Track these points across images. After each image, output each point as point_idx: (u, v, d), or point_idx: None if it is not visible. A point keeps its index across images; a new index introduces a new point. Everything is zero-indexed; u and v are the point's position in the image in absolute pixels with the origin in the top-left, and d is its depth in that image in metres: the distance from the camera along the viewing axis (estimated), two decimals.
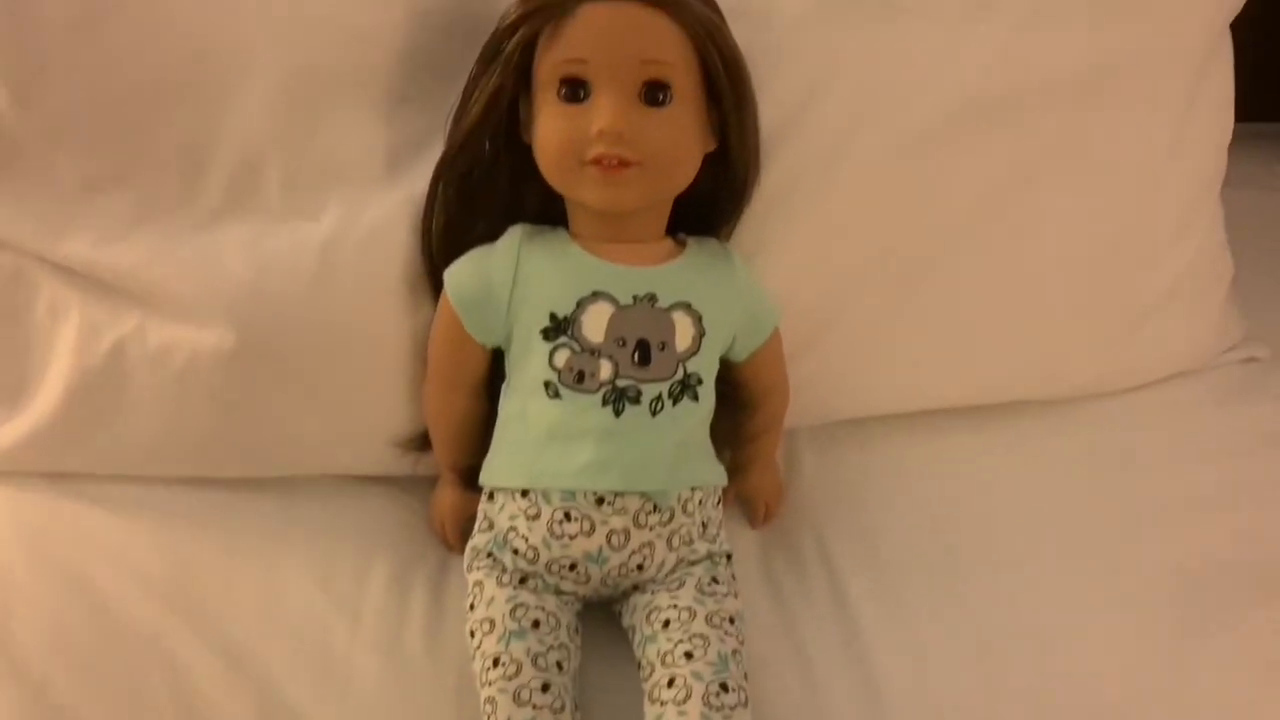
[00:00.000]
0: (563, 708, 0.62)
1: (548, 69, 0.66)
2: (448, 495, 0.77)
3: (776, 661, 0.72)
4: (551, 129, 0.67)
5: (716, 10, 0.69)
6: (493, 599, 0.67)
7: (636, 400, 0.67)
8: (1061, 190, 0.83)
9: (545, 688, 0.62)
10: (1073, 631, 0.74)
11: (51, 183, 0.74)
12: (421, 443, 0.79)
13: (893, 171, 0.79)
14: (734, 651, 0.65)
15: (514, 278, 0.69)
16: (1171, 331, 0.91)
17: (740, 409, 0.78)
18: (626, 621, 0.70)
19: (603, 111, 0.65)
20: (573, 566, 0.68)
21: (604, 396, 0.67)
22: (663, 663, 0.64)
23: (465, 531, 0.74)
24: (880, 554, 0.79)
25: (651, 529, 0.68)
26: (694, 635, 0.65)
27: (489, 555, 0.69)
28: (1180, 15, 0.82)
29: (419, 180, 0.74)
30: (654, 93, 0.66)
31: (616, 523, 0.67)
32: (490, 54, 0.68)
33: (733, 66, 0.68)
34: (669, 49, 0.66)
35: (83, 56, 0.71)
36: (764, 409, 0.79)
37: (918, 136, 0.79)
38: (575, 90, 0.66)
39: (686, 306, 0.69)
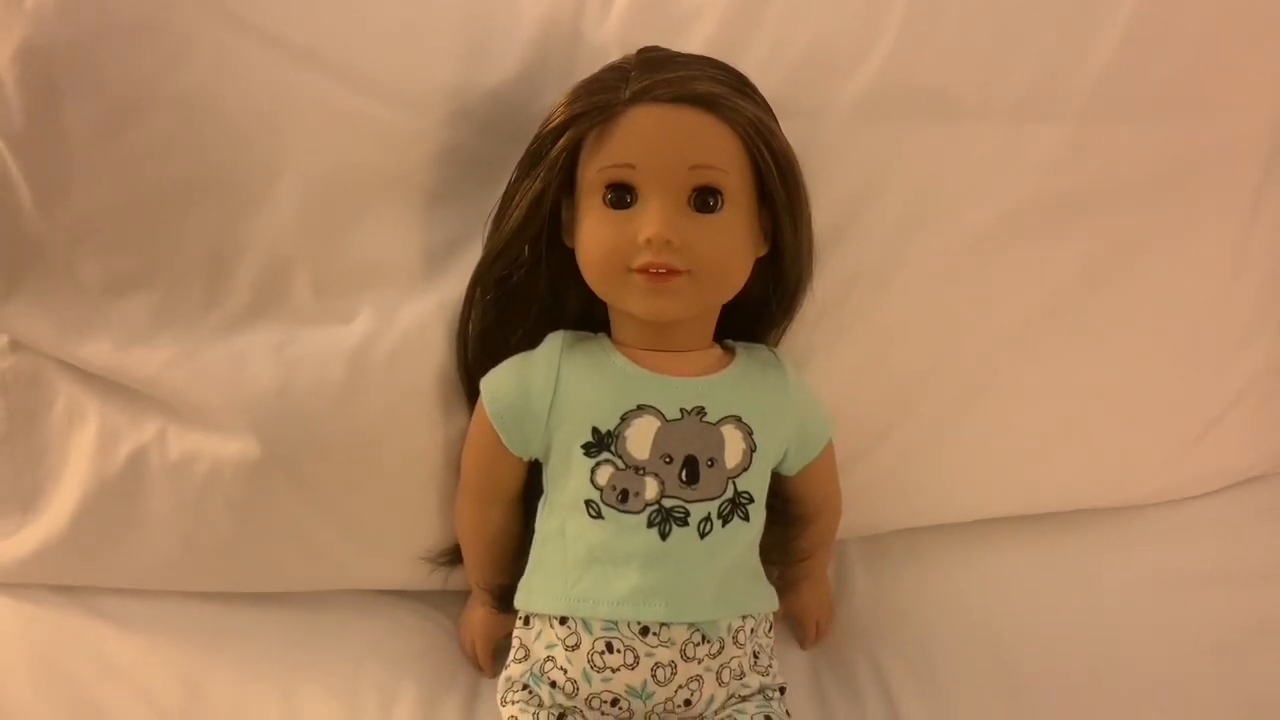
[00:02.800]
0: None
1: (593, 174, 0.63)
2: (480, 615, 0.73)
3: None
4: (597, 236, 0.63)
5: (768, 110, 0.66)
6: None
7: (684, 522, 0.63)
8: (1126, 294, 0.80)
9: None
10: None
11: (74, 284, 0.71)
12: (453, 557, 0.75)
13: (950, 275, 0.76)
14: None
15: (554, 388, 0.66)
16: (1238, 439, 0.88)
17: (790, 525, 0.74)
18: None
19: (650, 219, 0.61)
20: (615, 702, 0.63)
21: (649, 518, 0.63)
22: None
23: (498, 652, 0.70)
24: (937, 676, 0.75)
25: (700, 661, 0.63)
26: None
27: (525, 688, 0.65)
28: (1247, 110, 0.79)
29: (455, 284, 0.71)
30: (704, 198, 0.62)
31: (662, 655, 0.62)
32: (534, 157, 0.65)
33: (786, 169, 0.65)
34: (720, 153, 0.63)
35: (108, 160, 0.68)
36: (816, 525, 0.75)
37: (977, 239, 0.75)
38: (622, 196, 0.63)
39: (737, 420, 0.65)
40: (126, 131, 0.68)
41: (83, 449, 0.73)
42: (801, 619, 0.77)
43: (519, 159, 0.67)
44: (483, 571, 0.72)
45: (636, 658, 0.62)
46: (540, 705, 0.64)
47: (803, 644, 0.77)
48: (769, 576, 0.70)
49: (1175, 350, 0.82)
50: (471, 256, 0.70)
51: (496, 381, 0.68)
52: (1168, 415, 0.85)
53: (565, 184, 0.66)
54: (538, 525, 0.68)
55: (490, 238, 0.69)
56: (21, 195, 0.69)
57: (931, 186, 0.75)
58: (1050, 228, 0.76)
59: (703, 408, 0.65)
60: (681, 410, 0.65)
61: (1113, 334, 0.80)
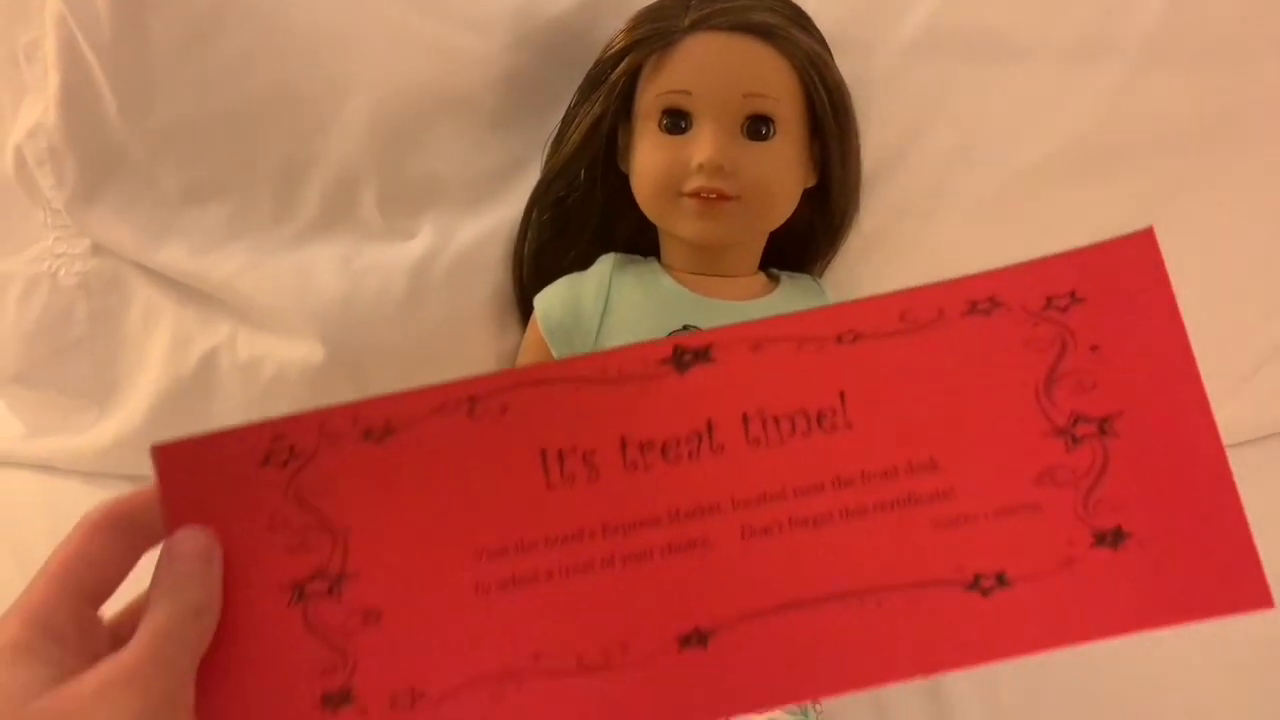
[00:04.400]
0: None
1: (650, 99, 0.65)
2: None
3: (852, 704, 0.69)
4: (651, 159, 0.66)
5: (823, 42, 0.68)
6: None
7: None
8: (1176, 237, 0.79)
9: None
10: (1156, 689, 0.70)
11: (153, 192, 0.75)
12: None
13: (996, 213, 0.77)
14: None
15: (605, 306, 0.68)
16: (1277, 390, 0.87)
17: None
18: None
19: (704, 144, 0.63)
20: None
21: None
22: None
23: None
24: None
25: None
26: None
27: None
28: None
29: (513, 205, 0.74)
30: (757, 126, 0.64)
31: None
32: (593, 82, 0.67)
33: (838, 101, 0.67)
34: (774, 83, 0.64)
35: (189, 72, 0.72)
36: None
37: (1025, 177, 0.76)
38: (677, 121, 0.65)
39: None
40: (207, 44, 0.71)
41: (158, 349, 0.77)
42: None
43: (579, 84, 0.69)
44: None
45: None
46: None
47: None
48: None
49: (1217, 299, 0.83)
50: (530, 178, 0.73)
51: (549, 299, 0.70)
52: (1212, 364, 0.84)
53: (623, 110, 0.68)
54: None
55: (549, 160, 0.71)
56: (107, 104, 0.72)
57: (981, 125, 0.75)
58: (1098, 170, 0.77)
59: None
60: None
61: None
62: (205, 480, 0.34)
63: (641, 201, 0.68)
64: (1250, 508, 0.83)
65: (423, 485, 0.34)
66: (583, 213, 0.72)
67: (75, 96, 0.73)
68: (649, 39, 0.64)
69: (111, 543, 0.32)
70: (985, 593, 0.34)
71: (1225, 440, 0.88)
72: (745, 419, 0.35)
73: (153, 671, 0.30)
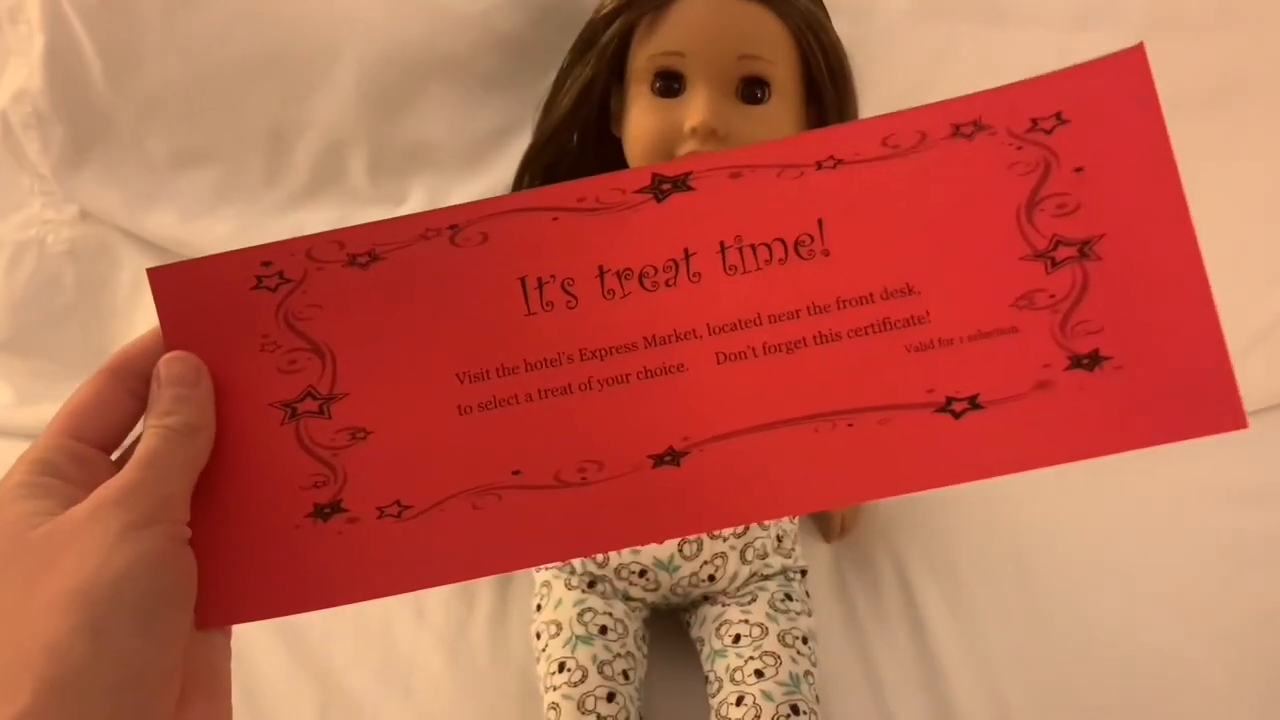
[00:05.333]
0: (627, 718, 0.61)
1: (643, 61, 0.64)
2: None
3: (848, 682, 0.69)
4: (643, 123, 0.64)
5: (820, 4, 0.66)
6: (560, 601, 0.66)
7: None
8: None
9: (611, 697, 0.61)
10: (1155, 666, 0.70)
11: (141, 157, 0.74)
12: None
13: None
14: (806, 673, 0.63)
15: None
16: (1277, 361, 0.87)
17: None
18: (695, 632, 0.68)
19: (697, 107, 0.62)
20: (643, 573, 0.66)
21: None
22: (731, 679, 0.62)
23: None
24: (956, 572, 0.77)
25: (725, 540, 0.66)
26: (765, 653, 0.63)
27: None
28: None
29: (504, 169, 0.73)
30: (751, 89, 0.63)
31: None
32: (584, 44, 0.66)
33: (835, 64, 0.65)
34: (769, 44, 0.63)
35: (176, 35, 0.71)
36: None
37: None
38: (670, 84, 0.64)
39: None
40: (194, 6, 0.70)
41: (147, 316, 0.76)
42: (828, 514, 0.79)
43: (571, 46, 0.68)
44: None
45: None
46: (572, 573, 0.67)
47: (827, 538, 0.79)
48: None
49: (1224, 264, 0.81)
50: (521, 143, 0.72)
51: None
52: None
53: (615, 73, 0.67)
54: None
55: (540, 124, 0.70)
56: (93, 68, 0.72)
57: (981, 89, 0.74)
58: None
59: None
60: None
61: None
62: (200, 304, 0.35)
63: (634, 166, 0.67)
64: (1248, 478, 0.83)
65: (407, 310, 0.35)
66: (575, 177, 0.70)
67: (60, 60, 0.72)
68: (641, 0, 0.63)
69: (115, 389, 0.34)
70: (957, 415, 0.35)
71: None
72: (723, 247, 0.35)
73: (141, 487, 0.31)
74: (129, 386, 0.34)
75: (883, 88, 0.73)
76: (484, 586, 0.74)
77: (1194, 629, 0.73)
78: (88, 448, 0.33)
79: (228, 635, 0.35)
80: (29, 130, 0.74)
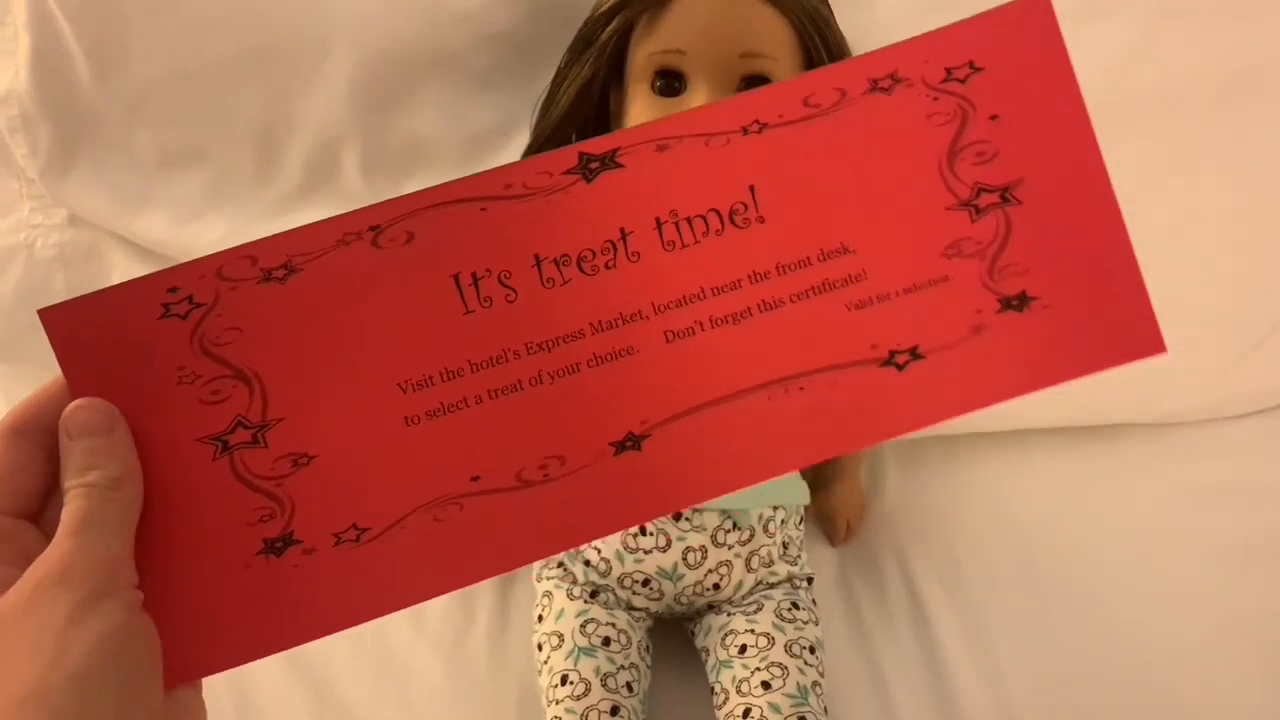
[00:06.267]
0: None
1: (643, 60, 0.62)
2: None
3: (855, 691, 0.68)
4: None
5: (823, 0, 0.65)
6: (562, 612, 0.64)
7: None
8: (1182, 204, 0.78)
9: (614, 710, 0.59)
10: (1164, 670, 0.69)
11: (130, 158, 0.73)
12: None
13: None
14: (814, 683, 0.61)
15: None
16: None
17: None
18: (700, 643, 0.67)
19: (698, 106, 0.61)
20: (646, 582, 0.65)
21: None
22: (738, 691, 0.61)
23: None
24: (964, 576, 0.76)
25: (730, 548, 0.64)
26: (772, 664, 0.61)
27: (559, 565, 0.67)
28: None
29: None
30: (754, 88, 0.62)
31: (694, 540, 0.64)
32: (583, 42, 0.65)
33: (839, 60, 0.64)
34: (772, 42, 0.62)
35: (164, 33, 0.69)
36: None
37: None
38: (671, 83, 0.62)
39: None
40: (182, 5, 0.68)
41: None
42: (833, 517, 0.78)
43: (569, 44, 0.66)
44: None
45: (669, 541, 0.64)
46: (574, 582, 0.66)
47: (832, 541, 0.78)
48: (803, 474, 0.71)
49: (1225, 266, 0.81)
50: (519, 142, 0.71)
51: None
52: (1212, 333, 0.83)
53: (615, 71, 0.66)
54: None
55: (538, 124, 0.68)
56: (79, 68, 0.70)
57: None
58: (1105, 131, 0.74)
59: None
60: None
61: (1166, 244, 0.79)
62: (104, 341, 0.33)
63: None
64: (1253, 478, 0.83)
65: (334, 323, 0.34)
66: None
67: (47, 61, 0.71)
68: None
69: (23, 450, 0.31)
70: (900, 367, 0.36)
71: (1233, 412, 0.87)
72: (659, 223, 0.35)
73: (82, 557, 0.29)
74: (38, 444, 0.31)
75: None
76: (483, 595, 0.73)
77: (1201, 630, 0.72)
78: (7, 519, 0.30)
79: (198, 690, 0.33)
80: (16, 133, 0.72)
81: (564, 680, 0.61)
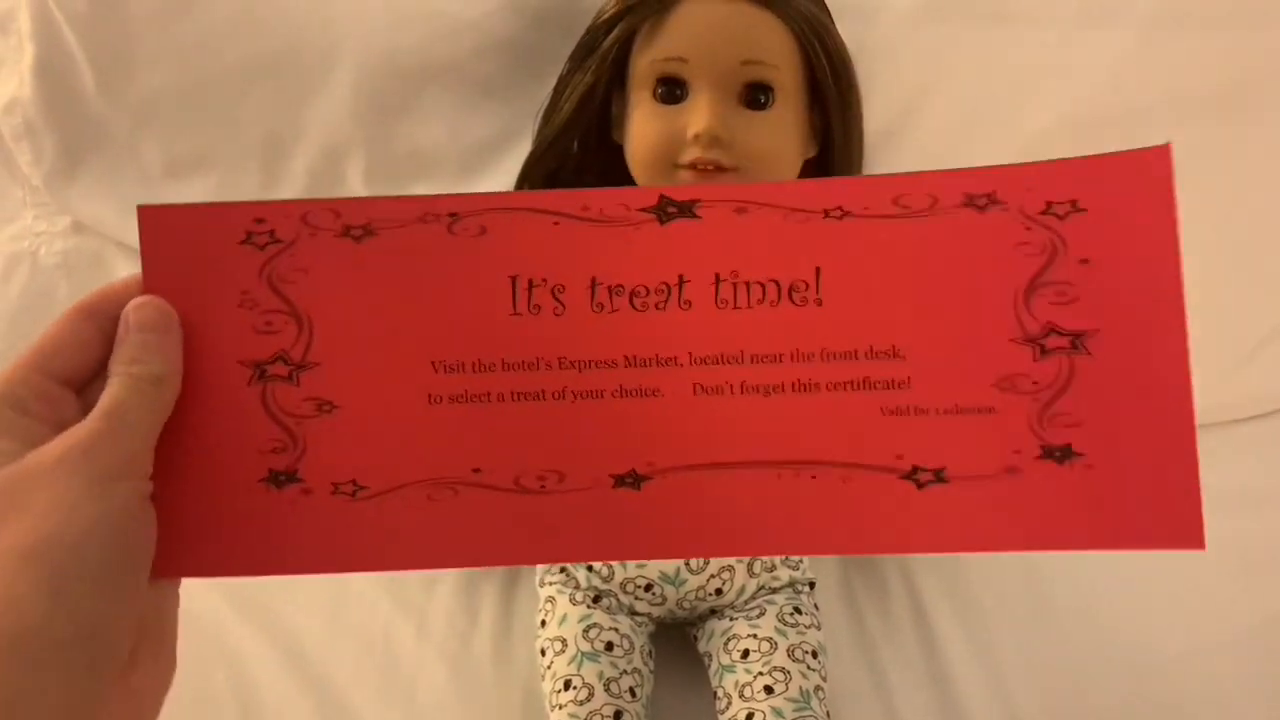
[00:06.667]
0: None
1: (644, 67, 0.63)
2: None
3: (858, 695, 0.68)
4: (645, 130, 0.63)
5: (824, 8, 0.65)
6: (565, 617, 0.65)
7: None
8: (1182, 210, 0.77)
9: (618, 715, 0.60)
10: (1168, 676, 0.70)
11: (135, 167, 0.73)
12: None
13: None
14: (816, 688, 0.61)
15: None
16: None
17: None
18: (703, 647, 0.67)
19: (700, 113, 0.61)
20: (649, 587, 0.65)
21: None
22: (741, 695, 0.61)
23: None
24: (966, 581, 0.76)
25: None
26: (775, 668, 0.62)
27: (562, 570, 0.67)
28: None
29: (503, 175, 0.72)
30: (755, 95, 0.62)
31: None
32: (585, 50, 0.65)
33: (839, 68, 0.64)
34: (773, 49, 0.62)
35: (170, 42, 0.70)
36: None
37: (1031, 145, 0.74)
38: (672, 90, 0.62)
39: None
40: (187, 13, 0.69)
41: None
42: None
43: (571, 52, 0.67)
44: None
45: None
46: (576, 587, 0.66)
47: None
48: None
49: (1229, 270, 0.81)
50: (521, 150, 0.71)
51: None
52: (1216, 337, 0.83)
53: (616, 79, 0.66)
54: None
55: (540, 131, 0.69)
56: (85, 77, 0.71)
57: (986, 92, 0.73)
58: (1104, 139, 0.74)
59: None
60: None
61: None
62: (185, 249, 0.34)
63: (636, 174, 0.66)
64: (1254, 481, 0.82)
65: (393, 290, 0.35)
66: (576, 185, 0.70)
67: (51, 69, 0.71)
68: (643, 4, 0.62)
69: (87, 328, 0.33)
70: (920, 485, 0.35)
71: (1233, 416, 0.87)
72: (718, 279, 0.35)
73: (109, 439, 0.31)
74: (100, 326, 0.33)
75: (887, 91, 0.72)
76: (487, 600, 0.73)
77: (1204, 634, 0.72)
78: (55, 384, 0.32)
79: (175, 587, 0.35)
80: (20, 141, 0.73)
81: (567, 685, 0.61)
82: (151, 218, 0.34)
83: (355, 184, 0.73)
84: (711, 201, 0.35)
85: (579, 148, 0.68)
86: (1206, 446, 0.86)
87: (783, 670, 0.61)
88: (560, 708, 0.60)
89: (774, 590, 0.67)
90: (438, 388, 0.35)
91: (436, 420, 0.35)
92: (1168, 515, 0.35)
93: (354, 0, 0.70)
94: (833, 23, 0.65)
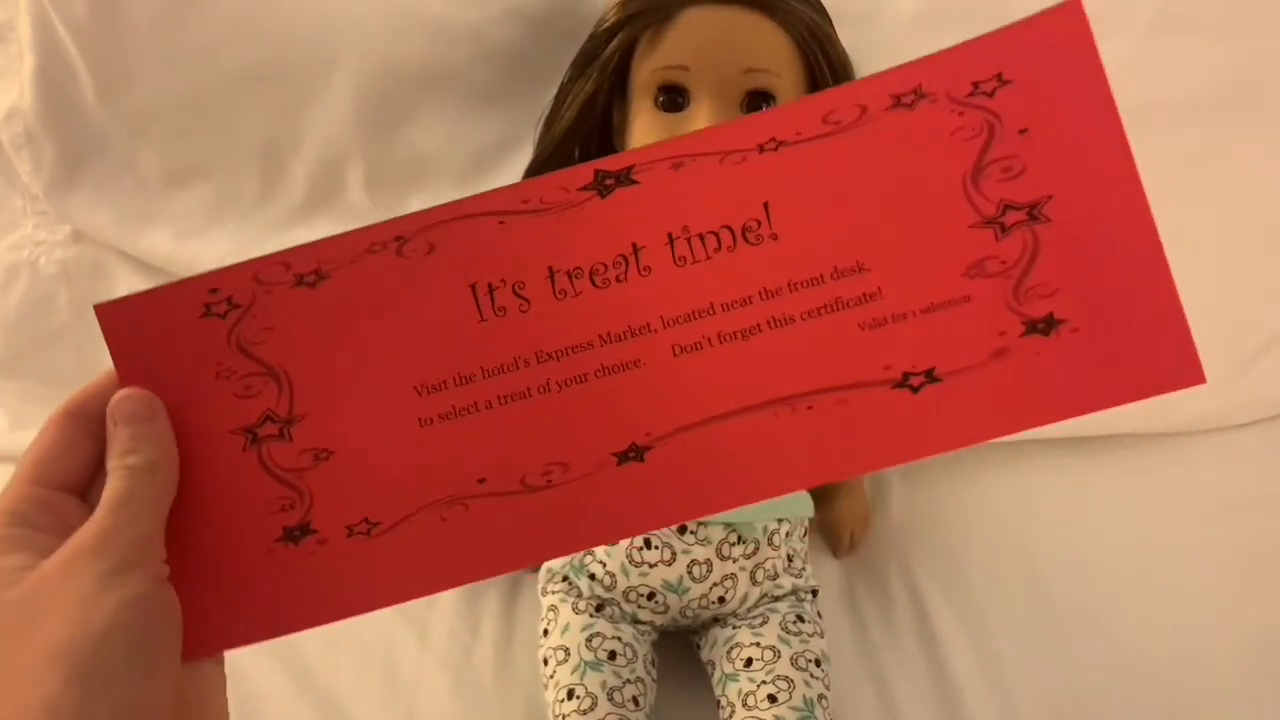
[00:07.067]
0: None
1: (646, 75, 0.63)
2: None
3: (861, 703, 0.68)
4: (647, 138, 0.63)
5: (825, 15, 0.65)
6: (567, 626, 0.64)
7: None
8: (1182, 216, 0.76)
9: None
10: (1172, 683, 0.69)
11: (134, 176, 0.73)
12: None
13: None
14: (820, 696, 0.61)
15: None
16: None
17: None
18: (705, 656, 0.67)
19: (702, 122, 0.61)
20: (651, 595, 0.65)
21: None
22: (744, 704, 0.61)
23: None
24: (969, 589, 0.76)
25: (735, 561, 0.64)
26: (778, 677, 0.61)
27: (564, 579, 0.67)
28: None
29: (504, 183, 0.71)
30: (757, 103, 0.62)
31: (699, 553, 0.64)
32: (586, 58, 0.65)
33: (841, 76, 0.64)
34: (774, 57, 0.62)
35: (168, 50, 0.70)
36: None
37: None
38: (674, 98, 0.62)
39: None
40: (186, 21, 0.69)
41: None
42: (837, 529, 0.78)
43: (572, 59, 0.67)
44: None
45: (673, 554, 0.64)
46: (579, 596, 0.66)
47: (836, 554, 0.78)
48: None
49: (1225, 276, 0.81)
50: (521, 158, 0.71)
51: None
52: (1215, 341, 0.82)
53: (618, 86, 0.66)
54: None
55: (541, 139, 0.69)
56: (84, 86, 0.70)
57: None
58: None
59: None
60: None
61: (1167, 254, 0.79)
62: (151, 336, 0.35)
63: None
64: (1256, 487, 0.83)
65: (359, 326, 0.35)
66: None
67: (51, 79, 0.71)
68: (644, 13, 0.62)
69: (76, 431, 0.34)
70: (915, 390, 0.35)
71: (1234, 421, 0.87)
72: (671, 238, 0.35)
73: (115, 532, 0.31)
74: (88, 429, 0.34)
75: None
76: (489, 609, 0.73)
77: (1208, 640, 0.72)
78: (55, 493, 0.33)
79: (219, 665, 0.35)
80: (20, 150, 0.73)
81: (570, 694, 0.61)
82: (110, 314, 0.35)
83: (356, 192, 0.73)
84: (646, 164, 0.35)
85: (580, 156, 0.68)
86: (1208, 452, 0.87)
87: (786, 679, 0.61)
88: (563, 717, 0.60)
89: (777, 598, 0.67)
90: (426, 410, 0.35)
91: (432, 441, 0.35)
92: (1162, 357, 0.35)
93: (353, 7, 0.70)
94: (834, 30, 0.65)
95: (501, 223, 0.35)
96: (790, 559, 0.68)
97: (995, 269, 0.35)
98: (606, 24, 0.64)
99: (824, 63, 0.63)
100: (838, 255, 0.35)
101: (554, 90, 0.68)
